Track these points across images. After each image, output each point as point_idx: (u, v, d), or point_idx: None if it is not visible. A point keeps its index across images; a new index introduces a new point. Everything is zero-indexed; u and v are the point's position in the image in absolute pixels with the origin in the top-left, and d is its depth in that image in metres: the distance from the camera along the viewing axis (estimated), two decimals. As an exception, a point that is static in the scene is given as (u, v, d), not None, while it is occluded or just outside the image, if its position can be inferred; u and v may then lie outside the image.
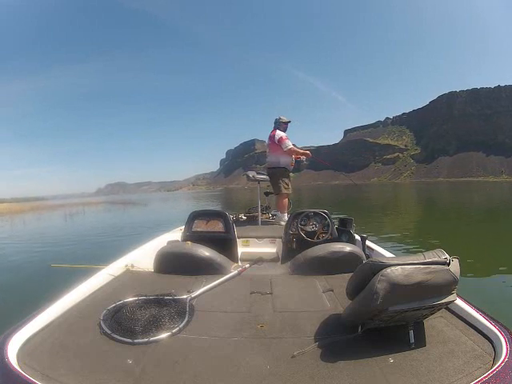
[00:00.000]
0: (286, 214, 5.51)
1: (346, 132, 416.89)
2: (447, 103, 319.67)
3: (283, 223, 4.98)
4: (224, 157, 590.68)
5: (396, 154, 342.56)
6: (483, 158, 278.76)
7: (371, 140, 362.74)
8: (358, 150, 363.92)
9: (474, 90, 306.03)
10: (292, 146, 5.63)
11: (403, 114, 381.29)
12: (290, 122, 5.90)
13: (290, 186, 5.78)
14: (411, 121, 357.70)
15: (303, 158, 5.90)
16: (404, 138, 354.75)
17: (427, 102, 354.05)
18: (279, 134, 5.66)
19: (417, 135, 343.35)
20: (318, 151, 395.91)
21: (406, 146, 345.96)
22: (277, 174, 5.76)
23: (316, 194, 54.05)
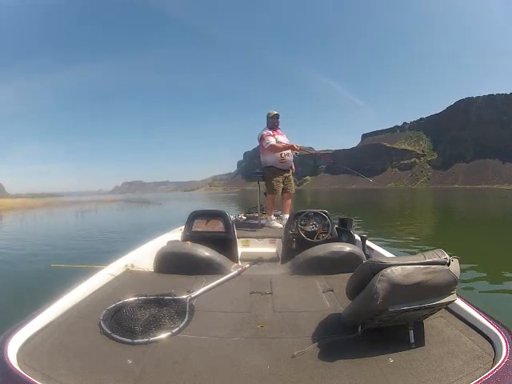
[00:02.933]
0: (273, 216, 5.41)
1: (364, 136, 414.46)
2: (464, 109, 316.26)
3: (275, 225, 5.14)
4: (241, 158, 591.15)
5: (413, 160, 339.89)
6: (499, 165, 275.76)
7: (388, 145, 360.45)
8: (375, 155, 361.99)
9: (491, 95, 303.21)
10: (272, 143, 5.30)
11: (421, 119, 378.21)
12: (277, 114, 5.52)
13: (275, 187, 5.42)
14: (428, 126, 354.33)
15: (294, 152, 5.58)
16: (421, 143, 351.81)
17: (445, 108, 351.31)
18: (261, 133, 5.48)
19: (434, 141, 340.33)
20: (335, 155, 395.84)
21: (423, 151, 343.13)
22: (265, 173, 5.56)
23: (331, 199, 53.46)
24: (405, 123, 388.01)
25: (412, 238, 11.02)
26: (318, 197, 56.88)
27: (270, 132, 5.42)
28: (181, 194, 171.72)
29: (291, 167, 5.67)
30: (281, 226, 4.99)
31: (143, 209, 34.73)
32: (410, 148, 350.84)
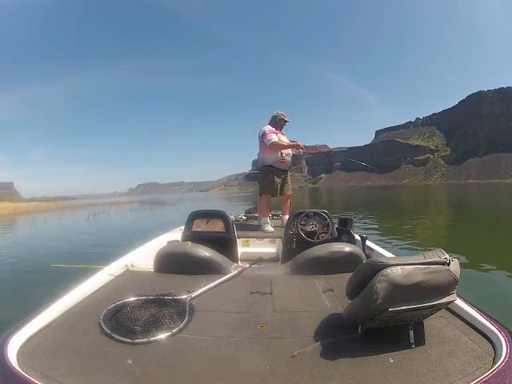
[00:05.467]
0: (267, 218, 5.10)
1: (377, 133, 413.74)
2: (476, 103, 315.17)
3: (266, 229, 4.92)
4: (256, 157, 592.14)
5: (427, 155, 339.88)
6: None
7: (402, 141, 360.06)
8: (389, 151, 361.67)
9: (501, 89, 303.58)
10: (275, 140, 4.98)
11: (433, 114, 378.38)
12: (288, 121, 5.36)
13: (273, 186, 5.15)
14: (441, 121, 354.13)
15: (295, 151, 5.31)
16: (434, 138, 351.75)
17: (456, 102, 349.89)
18: (263, 128, 5.15)
19: (447, 136, 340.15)
20: (349, 152, 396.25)
21: (436, 147, 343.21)
22: (261, 172, 5.32)
23: (347, 196, 51.67)
24: (418, 119, 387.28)
25: (433, 241, 10.07)
26: (333, 195, 56.81)
27: (273, 129, 5.15)
28: (196, 195, 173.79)
29: (290, 167, 5.40)
30: (272, 229, 4.93)
31: (155, 210, 34.49)
32: (423, 144, 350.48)
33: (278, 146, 5.03)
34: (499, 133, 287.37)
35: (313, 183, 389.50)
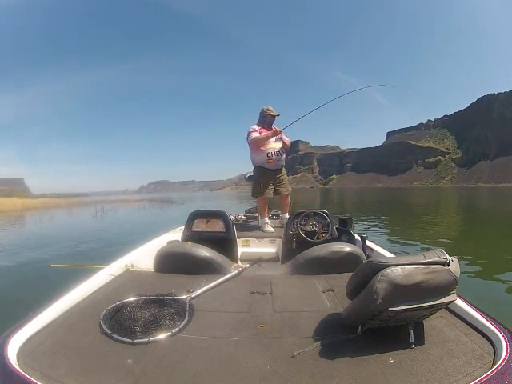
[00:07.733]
0: (266, 219, 5.05)
1: (389, 134, 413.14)
2: (487, 106, 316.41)
3: (266, 229, 4.91)
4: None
5: (438, 158, 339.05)
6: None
7: (413, 143, 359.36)
8: (400, 153, 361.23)
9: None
10: (255, 136, 4.90)
11: (445, 116, 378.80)
12: (277, 115, 5.13)
13: (262, 189, 5.04)
14: (453, 123, 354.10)
15: (278, 138, 5.01)
16: (446, 141, 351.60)
17: (468, 105, 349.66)
18: (249, 129, 5.05)
19: (458, 138, 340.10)
20: (361, 153, 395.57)
21: (447, 149, 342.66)
22: (253, 173, 5.25)
23: (358, 198, 49.11)
24: (429, 121, 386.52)
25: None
26: (344, 197, 55.24)
27: (257, 129, 5.01)
28: (206, 194, 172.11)
29: (282, 166, 5.24)
30: (272, 229, 4.91)
31: (165, 208, 34.17)
32: (434, 146, 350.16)
33: (258, 141, 4.91)
34: (510, 136, 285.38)
35: (324, 184, 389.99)
